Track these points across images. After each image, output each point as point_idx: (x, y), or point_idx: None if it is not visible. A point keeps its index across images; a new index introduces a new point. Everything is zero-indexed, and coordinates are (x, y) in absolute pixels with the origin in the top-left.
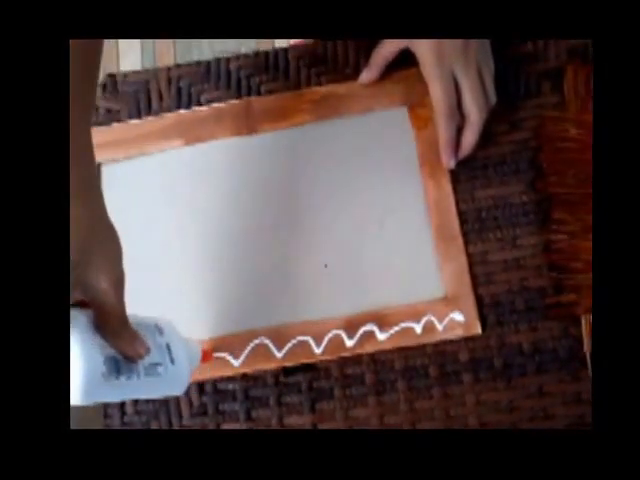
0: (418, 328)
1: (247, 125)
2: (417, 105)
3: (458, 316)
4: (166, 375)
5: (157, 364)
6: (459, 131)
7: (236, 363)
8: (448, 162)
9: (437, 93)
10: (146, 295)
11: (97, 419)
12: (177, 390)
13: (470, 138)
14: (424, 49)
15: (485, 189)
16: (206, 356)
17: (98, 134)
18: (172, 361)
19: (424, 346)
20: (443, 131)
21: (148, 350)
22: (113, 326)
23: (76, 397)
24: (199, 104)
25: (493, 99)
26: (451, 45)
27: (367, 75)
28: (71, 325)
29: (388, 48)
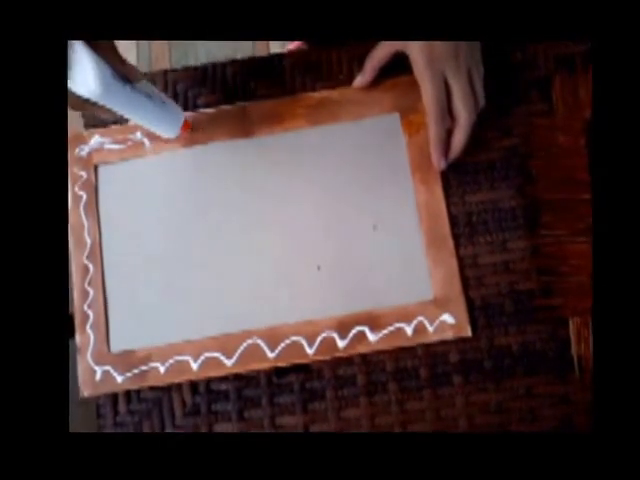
0: (409, 330)
1: (243, 129)
2: (409, 111)
3: (448, 318)
4: (159, 107)
5: (151, 95)
6: (449, 133)
7: (229, 363)
8: (438, 162)
9: (428, 94)
10: (142, 294)
11: (90, 419)
12: (169, 131)
13: (460, 139)
14: (416, 52)
15: (475, 194)
16: (186, 125)
17: (96, 136)
18: (163, 103)
19: (415, 348)
20: (433, 132)
21: (142, 75)
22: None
23: (92, 87)
24: (196, 108)
25: (482, 101)
26: (442, 48)
27: (361, 79)
28: (79, 46)
29: (381, 52)
